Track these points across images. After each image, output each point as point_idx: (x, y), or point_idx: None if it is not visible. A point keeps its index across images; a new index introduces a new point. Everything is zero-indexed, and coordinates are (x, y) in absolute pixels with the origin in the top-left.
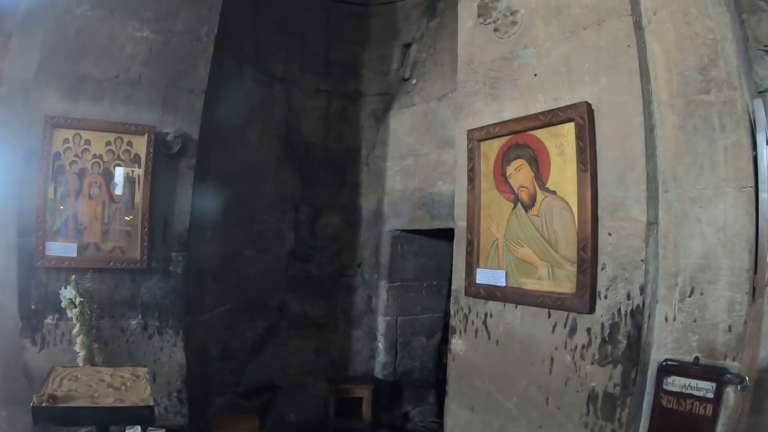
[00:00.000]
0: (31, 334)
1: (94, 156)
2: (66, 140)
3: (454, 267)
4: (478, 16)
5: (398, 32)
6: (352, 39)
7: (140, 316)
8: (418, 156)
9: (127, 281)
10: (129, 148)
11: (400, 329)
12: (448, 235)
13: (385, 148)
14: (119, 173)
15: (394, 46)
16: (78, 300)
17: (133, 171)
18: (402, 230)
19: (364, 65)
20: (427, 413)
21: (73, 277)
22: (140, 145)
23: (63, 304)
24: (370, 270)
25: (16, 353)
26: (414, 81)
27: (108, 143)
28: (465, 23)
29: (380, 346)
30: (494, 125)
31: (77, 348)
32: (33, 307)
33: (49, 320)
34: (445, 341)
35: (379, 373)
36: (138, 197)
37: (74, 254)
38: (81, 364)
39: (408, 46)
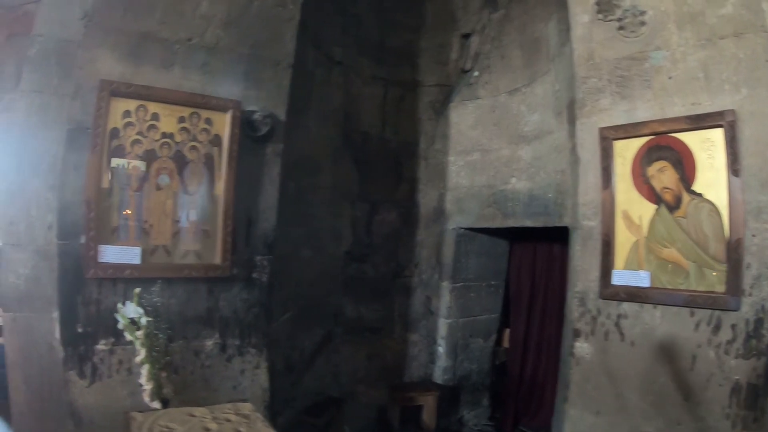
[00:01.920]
0: (78, 364)
1: (164, 135)
2: (127, 113)
3: (574, 268)
4: (598, 12)
5: (456, 21)
6: (406, 25)
7: (218, 335)
8: (485, 151)
9: (203, 293)
10: (207, 126)
11: (461, 331)
12: (513, 234)
13: (446, 142)
14: (196, 157)
15: (452, 35)
16: (144, 319)
17: (212, 155)
18: (466, 228)
19: (420, 54)
20: (481, 416)
21: (137, 290)
22: (221, 123)
23: (120, 325)
24: (429, 270)
25: (57, 389)
26: (476, 73)
27: (181, 119)
28: (580, 18)
29: (440, 350)
30: (632, 125)
31: (143, 380)
32: (80, 329)
33: (101, 346)
34: (498, 342)
35: (438, 378)
36: (218, 188)
37: (137, 260)
38: (148, 400)
39: (466, 36)
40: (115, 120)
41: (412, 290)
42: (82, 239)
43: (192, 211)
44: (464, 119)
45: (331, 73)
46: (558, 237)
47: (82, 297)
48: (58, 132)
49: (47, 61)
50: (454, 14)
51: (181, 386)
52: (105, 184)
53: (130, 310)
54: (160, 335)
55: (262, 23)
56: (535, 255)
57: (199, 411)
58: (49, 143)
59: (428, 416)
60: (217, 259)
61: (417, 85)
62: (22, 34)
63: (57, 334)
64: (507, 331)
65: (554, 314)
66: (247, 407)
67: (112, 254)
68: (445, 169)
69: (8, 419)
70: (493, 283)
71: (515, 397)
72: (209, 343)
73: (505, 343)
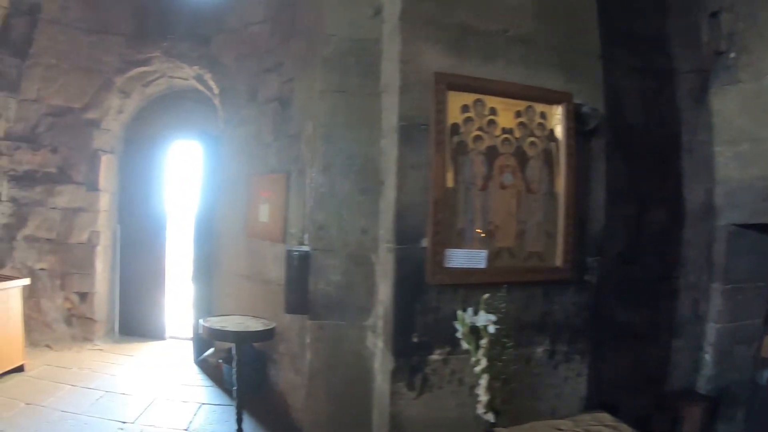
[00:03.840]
0: (409, 375)
1: (503, 130)
2: (464, 108)
3: None
4: None
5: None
6: (650, 10)
7: (548, 341)
8: (756, 141)
9: (539, 297)
10: (542, 120)
11: (728, 338)
12: None
13: (710, 132)
14: (535, 153)
15: (700, 15)
16: (492, 327)
17: (550, 151)
18: (738, 225)
19: (669, 39)
20: None
21: (486, 296)
22: (554, 117)
23: (459, 334)
24: (696, 271)
25: (380, 401)
26: (733, 55)
27: (518, 113)
28: None
29: (707, 357)
30: None
31: (480, 390)
32: (415, 339)
33: (435, 356)
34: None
35: (701, 387)
36: (558, 186)
37: (483, 264)
38: (482, 411)
39: (714, 15)
40: (455, 115)
41: (678, 293)
42: (423, 243)
43: (535, 211)
44: (727, 106)
45: None
46: None
47: (421, 305)
48: (367, 132)
49: (345, 61)
50: None
51: (509, 396)
52: (450, 183)
53: (481, 317)
54: (507, 343)
55: (567, 13)
56: None
57: (564, 424)
58: (359, 144)
59: (691, 429)
60: (558, 261)
61: (673, 73)
62: (250, 54)
63: (368, 342)
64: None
65: None
66: (607, 417)
67: (459, 258)
68: (711, 162)
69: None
70: (760, 284)
71: None
72: (539, 350)
73: (765, 353)
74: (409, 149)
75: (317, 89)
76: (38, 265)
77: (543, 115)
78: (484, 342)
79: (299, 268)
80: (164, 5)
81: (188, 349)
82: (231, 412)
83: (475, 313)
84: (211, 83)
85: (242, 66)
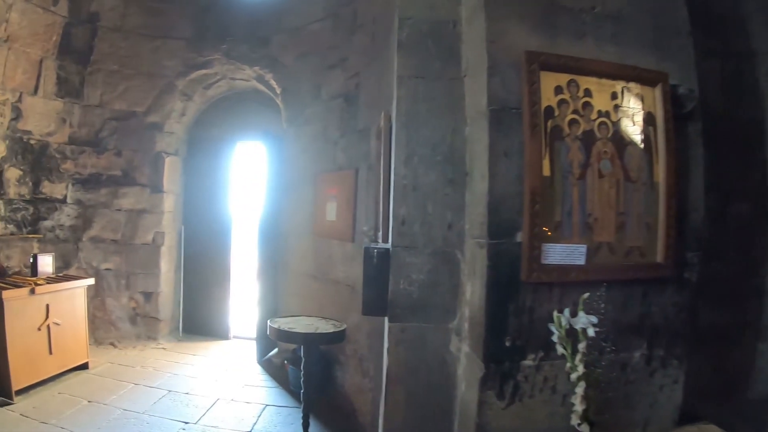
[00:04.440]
0: (499, 383)
1: (599, 113)
2: (558, 89)
3: None
4: None
5: None
6: None
7: (645, 345)
8: None
9: (637, 297)
10: (639, 103)
11: None
12: None
13: None
14: (633, 139)
15: None
16: (591, 330)
17: (648, 136)
18: None
19: (746, 18)
20: None
21: (585, 295)
22: (651, 99)
23: (555, 337)
24: None
25: (464, 410)
26: None
27: (613, 95)
28: None
29: None
30: None
31: (575, 399)
32: (508, 343)
33: (528, 361)
34: None
35: None
36: (657, 174)
37: (582, 261)
38: (577, 422)
39: None
40: (548, 97)
41: (765, 292)
42: (518, 237)
43: (635, 202)
44: None
45: None
46: None
47: (515, 305)
48: (451, 119)
49: (423, 45)
50: None
51: (602, 405)
52: (546, 171)
53: (580, 319)
54: (607, 348)
55: None
56: None
57: None
58: (443, 131)
59: None
60: (659, 257)
61: (752, 54)
62: (311, 52)
63: (451, 346)
64: None
65: None
66: (713, 429)
67: (558, 254)
68: None
69: None
70: None
71: None
72: (636, 355)
73: None
74: (501, 135)
75: (395, 75)
76: (103, 266)
77: (640, 97)
78: (582, 346)
79: (378, 266)
80: (222, 8)
81: (252, 349)
82: (295, 414)
83: (573, 314)
84: (273, 83)
85: (304, 64)
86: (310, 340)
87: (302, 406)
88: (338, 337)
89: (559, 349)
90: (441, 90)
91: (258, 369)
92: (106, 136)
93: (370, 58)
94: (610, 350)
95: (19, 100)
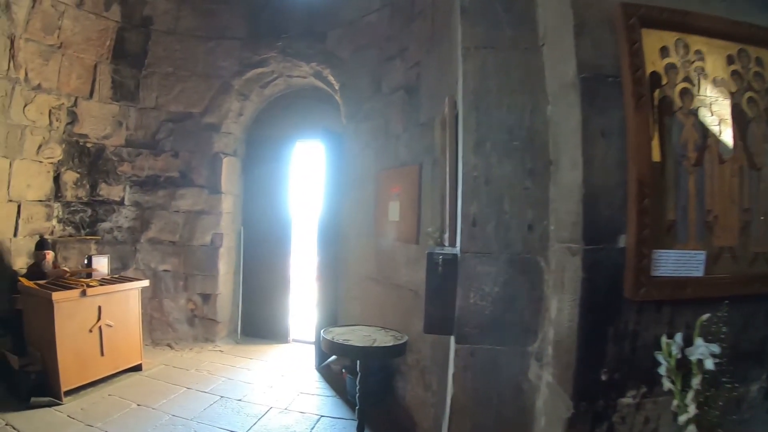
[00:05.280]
0: (590, 424)
1: (714, 81)
2: (664, 50)
3: None
4: None
5: None
6: None
7: (765, 376)
8: None
9: (761, 316)
10: (759, 69)
11: None
12: None
13: None
14: (756, 114)
15: None
16: (710, 362)
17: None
18: None
19: None
20: None
21: (705, 317)
22: None
23: (663, 369)
24: None
25: None
26: None
27: (729, 59)
28: None
29: None
30: None
31: None
32: (604, 377)
33: (627, 399)
34: None
35: None
36: None
37: (700, 272)
38: None
39: None
40: (653, 61)
41: None
42: (621, 241)
43: (762, 194)
44: None
45: None
46: None
47: (615, 329)
48: (528, 97)
49: (490, 9)
50: None
51: None
52: (656, 156)
53: (698, 347)
54: (727, 383)
55: None
56: None
57: None
58: (519, 112)
59: None
60: None
61: None
62: (369, 45)
63: (530, 374)
64: None
65: None
66: None
67: (672, 263)
68: None
69: None
70: None
71: None
72: (753, 389)
73: None
74: (596, 111)
75: (459, 47)
76: (161, 267)
77: (759, 62)
78: (696, 382)
79: (444, 276)
80: (277, 6)
81: (310, 354)
82: (351, 427)
83: (686, 340)
84: (331, 79)
85: (362, 58)
86: (366, 354)
87: (356, 422)
88: (398, 351)
89: (666, 384)
90: (515, 62)
91: (316, 375)
92: (162, 138)
93: (430, 44)
94: (730, 385)
95: (75, 104)
